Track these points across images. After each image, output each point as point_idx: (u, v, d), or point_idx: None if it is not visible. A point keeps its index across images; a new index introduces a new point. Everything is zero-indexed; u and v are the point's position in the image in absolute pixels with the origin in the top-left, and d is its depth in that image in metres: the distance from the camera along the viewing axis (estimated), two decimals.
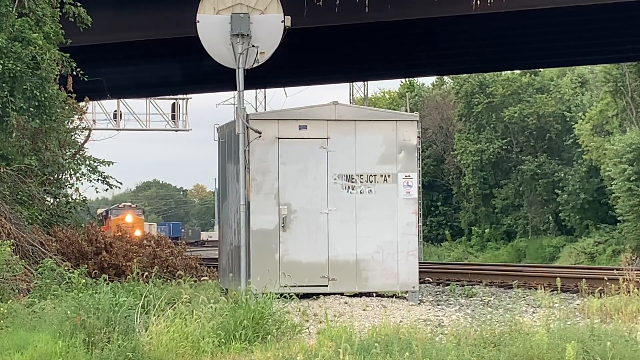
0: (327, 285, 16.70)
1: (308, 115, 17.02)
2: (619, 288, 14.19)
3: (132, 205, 69.79)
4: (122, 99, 54.17)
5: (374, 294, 17.03)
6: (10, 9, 17.73)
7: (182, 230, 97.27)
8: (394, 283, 16.97)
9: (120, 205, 67.68)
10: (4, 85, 17.55)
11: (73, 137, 24.67)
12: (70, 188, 23.32)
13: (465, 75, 56.62)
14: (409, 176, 17.09)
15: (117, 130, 54.49)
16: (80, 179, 23.35)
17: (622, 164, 42.96)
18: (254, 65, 15.82)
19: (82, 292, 12.36)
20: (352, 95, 58.07)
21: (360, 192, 16.93)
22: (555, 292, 15.57)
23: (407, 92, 65.13)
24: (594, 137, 49.54)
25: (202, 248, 67.62)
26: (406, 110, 30.08)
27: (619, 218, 45.36)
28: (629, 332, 10.53)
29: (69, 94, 20.65)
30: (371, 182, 16.97)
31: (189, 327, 11.05)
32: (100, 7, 22.75)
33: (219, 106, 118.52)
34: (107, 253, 20.36)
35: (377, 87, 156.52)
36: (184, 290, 12.55)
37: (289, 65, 31.06)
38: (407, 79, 66.19)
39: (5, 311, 12.54)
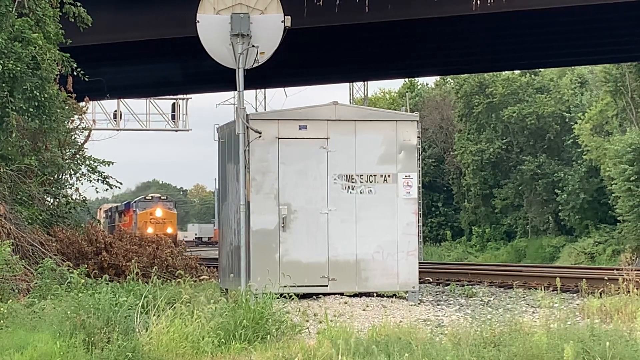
0: (327, 285, 16.69)
1: (308, 115, 17.02)
2: (619, 288, 14.18)
3: (162, 197, 61.38)
4: (122, 99, 54.14)
5: (374, 294, 17.02)
6: (10, 9, 17.72)
7: None
8: (394, 283, 16.97)
9: (148, 197, 60.41)
10: (4, 85, 17.54)
11: (73, 137, 24.64)
12: (70, 188, 23.32)
13: (465, 75, 56.65)
14: (409, 176, 17.09)
15: (117, 130, 54.34)
16: (80, 179, 23.35)
17: (622, 164, 42.98)
18: (254, 65, 15.82)
19: (82, 292, 12.35)
20: (352, 95, 58.08)
21: (360, 192, 16.92)
22: (555, 292, 15.55)
23: (407, 92, 65.17)
24: (594, 137, 49.57)
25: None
26: (406, 110, 30.07)
27: (618, 218, 45.38)
28: (629, 332, 10.53)
29: (69, 94, 20.65)
30: (371, 182, 16.96)
31: (189, 327, 11.05)
32: (100, 7, 22.75)
33: (219, 106, 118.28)
34: (107, 253, 20.37)
35: (377, 87, 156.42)
36: (184, 290, 12.54)
37: (289, 65, 31.07)
38: (408, 79, 66.23)
39: (5, 311, 12.53)
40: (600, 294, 14.88)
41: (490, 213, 60.05)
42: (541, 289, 15.92)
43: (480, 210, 60.68)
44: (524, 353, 9.55)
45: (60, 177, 22.95)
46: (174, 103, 57.28)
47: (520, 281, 21.38)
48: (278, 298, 12.42)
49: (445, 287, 21.24)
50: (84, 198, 23.53)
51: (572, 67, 56.10)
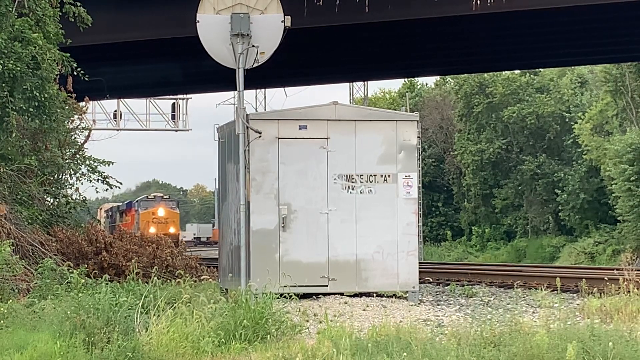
0: (327, 285, 16.69)
1: (308, 115, 17.03)
2: (619, 288, 14.18)
3: (165, 197, 60.51)
4: (122, 99, 54.12)
5: (374, 294, 17.02)
6: (10, 8, 17.72)
7: None
8: (394, 283, 16.97)
9: (150, 197, 59.46)
10: (4, 85, 17.55)
11: (73, 137, 24.65)
12: (70, 188, 23.33)
13: (465, 75, 56.64)
14: (409, 176, 17.09)
15: (117, 130, 54.30)
16: (80, 179, 23.35)
17: (622, 164, 42.97)
18: (254, 65, 15.83)
19: (82, 292, 12.35)
20: (352, 95, 58.07)
21: (360, 192, 16.92)
22: (555, 292, 15.56)
23: (407, 92, 65.16)
24: (594, 137, 49.56)
25: None
26: (406, 110, 30.07)
27: (619, 218, 45.37)
28: (629, 332, 10.53)
29: (69, 94, 20.65)
30: (371, 182, 16.96)
31: (189, 327, 11.05)
32: (100, 7, 22.76)
33: (219, 106, 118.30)
34: (107, 253, 20.36)
35: (377, 87, 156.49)
36: (184, 290, 12.54)
37: (289, 65, 31.07)
38: (407, 79, 66.23)
39: (5, 311, 12.54)
40: (601, 294, 14.87)
41: (490, 213, 60.03)
42: (541, 289, 15.91)
43: (480, 210, 60.67)
44: (524, 353, 9.54)
45: (60, 177, 22.95)
46: (174, 103, 57.24)
47: (520, 281, 21.38)
48: (278, 298, 12.42)
49: (445, 287, 21.24)
50: (84, 198, 23.54)
51: (572, 67, 56.09)
